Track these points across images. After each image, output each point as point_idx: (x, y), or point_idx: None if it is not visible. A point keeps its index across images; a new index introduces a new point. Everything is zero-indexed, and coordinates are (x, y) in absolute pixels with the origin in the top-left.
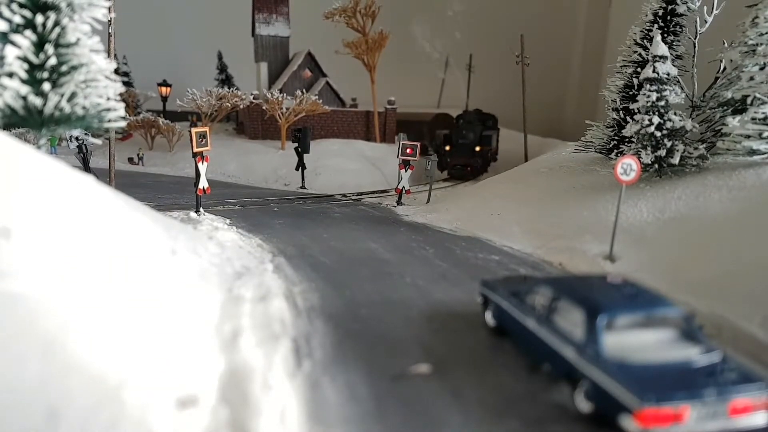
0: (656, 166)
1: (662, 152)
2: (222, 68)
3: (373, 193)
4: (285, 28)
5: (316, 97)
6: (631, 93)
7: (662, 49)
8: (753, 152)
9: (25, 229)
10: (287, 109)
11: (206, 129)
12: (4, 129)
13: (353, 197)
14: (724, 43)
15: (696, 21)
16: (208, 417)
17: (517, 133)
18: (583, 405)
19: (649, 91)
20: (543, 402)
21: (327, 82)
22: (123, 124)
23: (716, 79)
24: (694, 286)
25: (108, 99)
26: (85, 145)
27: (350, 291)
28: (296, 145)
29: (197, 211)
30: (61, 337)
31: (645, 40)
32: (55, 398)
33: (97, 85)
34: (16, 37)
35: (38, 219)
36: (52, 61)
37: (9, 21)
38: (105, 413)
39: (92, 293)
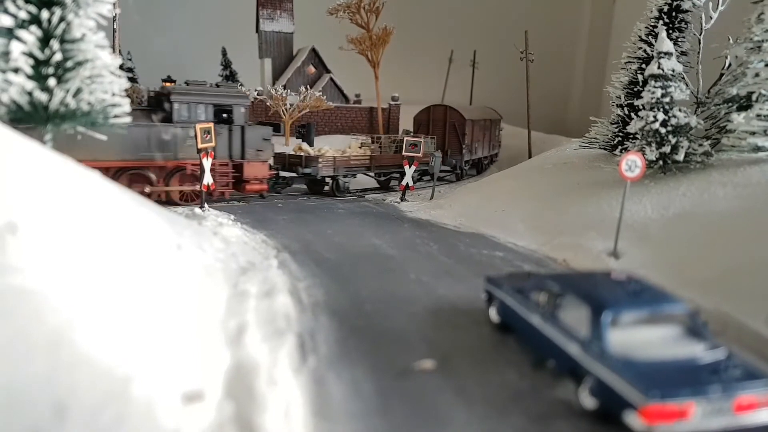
0: (661, 162)
1: (667, 149)
2: (226, 64)
3: (376, 189)
4: (289, 24)
5: (320, 93)
6: (635, 89)
7: (667, 45)
8: (758, 149)
9: (31, 224)
10: (291, 105)
11: (211, 125)
12: (9, 124)
13: (357, 193)
14: (729, 40)
15: (701, 17)
16: (213, 412)
17: (521, 130)
18: (588, 401)
19: (654, 87)
20: (547, 398)
21: (331, 78)
22: (128, 119)
23: (721, 75)
24: (699, 283)
25: (113, 95)
26: None
27: (355, 287)
28: (300, 140)
29: (202, 207)
30: (67, 331)
31: (650, 36)
32: (62, 393)
33: (102, 81)
34: (22, 33)
35: (44, 214)
36: (58, 56)
37: (15, 17)
38: (111, 408)
39: (98, 288)
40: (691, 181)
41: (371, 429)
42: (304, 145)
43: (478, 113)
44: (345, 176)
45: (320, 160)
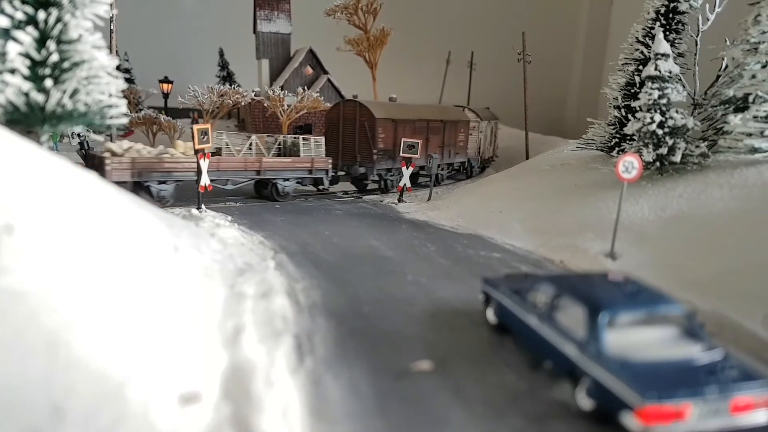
0: (658, 163)
1: (664, 150)
2: (223, 65)
3: (374, 190)
4: (286, 25)
5: (318, 94)
6: (632, 91)
7: (664, 46)
8: (754, 150)
9: (28, 225)
10: (289, 106)
11: (208, 126)
12: (6, 125)
13: (354, 194)
14: (726, 41)
15: (698, 19)
16: (210, 413)
17: (519, 131)
18: (585, 402)
19: (651, 88)
20: (544, 399)
21: (328, 79)
22: (124, 120)
23: (718, 77)
24: (696, 284)
25: (110, 96)
26: (87, 141)
27: (352, 288)
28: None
29: (199, 208)
30: (64, 333)
31: (647, 38)
32: (59, 394)
33: (99, 82)
34: (18, 34)
35: (41, 215)
36: (54, 57)
37: (11, 17)
38: (108, 409)
39: (95, 289)
40: (688, 183)
41: (369, 430)
42: (111, 144)
43: (414, 112)
44: (164, 182)
45: (107, 162)
